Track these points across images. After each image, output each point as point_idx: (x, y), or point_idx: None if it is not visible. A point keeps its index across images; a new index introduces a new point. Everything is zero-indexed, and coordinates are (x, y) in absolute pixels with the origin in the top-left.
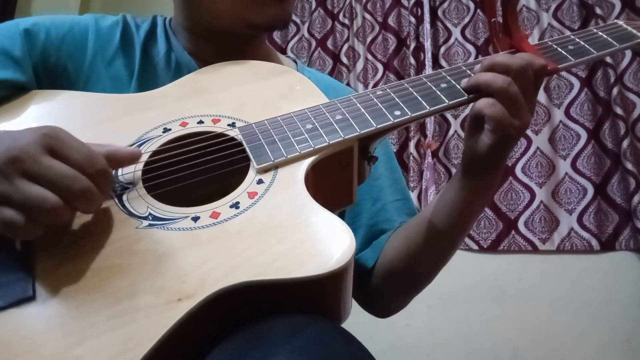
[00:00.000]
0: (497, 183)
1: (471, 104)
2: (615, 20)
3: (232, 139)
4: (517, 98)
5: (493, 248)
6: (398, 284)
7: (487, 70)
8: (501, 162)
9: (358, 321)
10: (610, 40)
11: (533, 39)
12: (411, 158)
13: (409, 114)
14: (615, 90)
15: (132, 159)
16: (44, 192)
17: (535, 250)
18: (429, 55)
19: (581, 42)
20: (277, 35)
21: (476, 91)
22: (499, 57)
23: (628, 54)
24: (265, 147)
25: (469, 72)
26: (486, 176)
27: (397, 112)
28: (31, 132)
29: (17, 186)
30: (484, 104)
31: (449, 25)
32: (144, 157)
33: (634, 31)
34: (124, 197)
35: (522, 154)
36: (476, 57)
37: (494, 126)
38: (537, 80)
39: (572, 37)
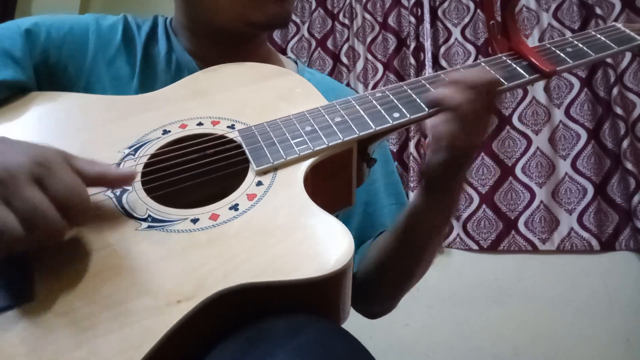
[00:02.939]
0: (456, 205)
1: None
2: (614, 23)
3: (232, 140)
4: (474, 115)
5: (493, 248)
6: (373, 291)
7: (450, 85)
8: (456, 183)
9: (358, 321)
10: (609, 42)
11: (533, 39)
12: (411, 158)
13: (408, 116)
14: (615, 90)
15: (124, 181)
16: (12, 221)
17: (535, 250)
18: (429, 55)
19: (579, 44)
20: (277, 35)
21: (437, 105)
22: (456, 74)
23: (628, 54)
24: (265, 149)
25: None
26: (443, 197)
27: (396, 114)
28: (24, 155)
29: None
30: (439, 120)
31: (449, 25)
32: (143, 160)
33: (632, 34)
34: (123, 199)
35: (522, 154)
36: (476, 57)
37: (449, 142)
38: (494, 98)
39: (571, 39)
